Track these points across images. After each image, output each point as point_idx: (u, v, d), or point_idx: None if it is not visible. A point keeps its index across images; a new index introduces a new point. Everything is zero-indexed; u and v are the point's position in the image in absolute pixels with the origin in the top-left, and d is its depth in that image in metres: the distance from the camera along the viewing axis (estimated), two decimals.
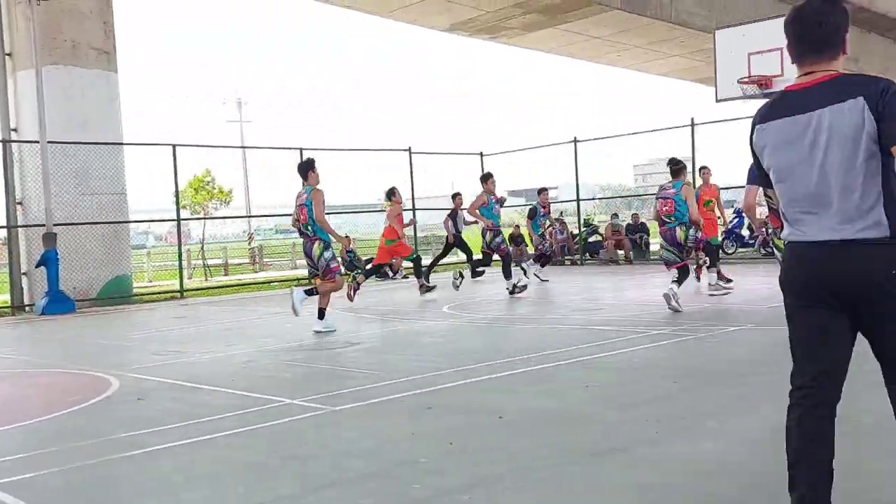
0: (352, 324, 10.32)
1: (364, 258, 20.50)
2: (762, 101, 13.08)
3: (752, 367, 6.02)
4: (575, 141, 20.68)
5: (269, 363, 7.46)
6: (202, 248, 28.33)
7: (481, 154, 23.31)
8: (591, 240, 21.66)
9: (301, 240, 9.24)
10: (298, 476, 3.96)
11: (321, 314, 9.21)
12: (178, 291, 17.19)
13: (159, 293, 17.66)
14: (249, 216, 41.52)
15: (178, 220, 18.07)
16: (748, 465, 3.75)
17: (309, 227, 9.13)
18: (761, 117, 2.88)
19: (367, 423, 4.92)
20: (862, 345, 2.87)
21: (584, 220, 22.00)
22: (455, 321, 10.02)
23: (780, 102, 2.85)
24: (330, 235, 9.25)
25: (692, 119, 18.28)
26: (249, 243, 35.02)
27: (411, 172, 21.44)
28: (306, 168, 9.39)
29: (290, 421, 5.12)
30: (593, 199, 29.73)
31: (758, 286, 12.52)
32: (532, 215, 15.69)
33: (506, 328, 9.07)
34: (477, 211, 12.90)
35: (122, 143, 16.36)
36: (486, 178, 13.37)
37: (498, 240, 12.86)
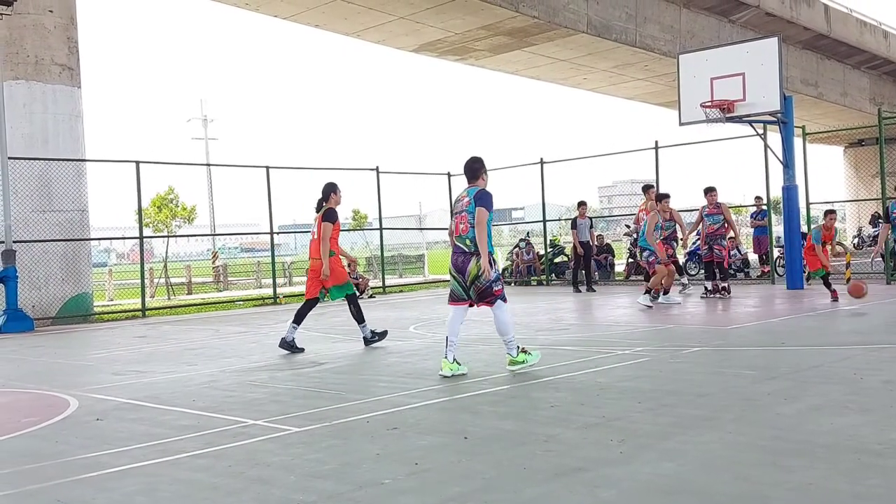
0: (317, 343, 10.26)
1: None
2: (725, 126, 13.03)
3: (713, 388, 6.08)
4: (541, 162, 20.84)
5: (231, 383, 7.38)
6: (165, 266, 28.03)
7: (448, 174, 23.39)
8: (556, 260, 21.79)
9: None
10: (261, 498, 3.92)
11: (648, 292, 13.02)
12: (140, 310, 16.98)
13: (120, 312, 17.43)
14: (214, 234, 41.19)
15: (141, 237, 17.88)
16: (710, 485, 3.78)
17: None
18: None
19: (332, 445, 4.89)
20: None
21: (550, 240, 22.14)
22: (421, 341, 10.00)
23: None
24: (648, 242, 13.14)
25: (656, 142, 18.57)
26: (213, 262, 34.71)
27: (379, 192, 21.44)
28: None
29: (253, 442, 5.07)
30: (559, 219, 29.94)
31: (719, 307, 12.68)
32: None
33: (471, 348, 9.07)
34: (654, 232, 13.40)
35: (84, 160, 16.18)
36: (661, 198, 14.32)
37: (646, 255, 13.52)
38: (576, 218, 17.88)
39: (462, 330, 11.00)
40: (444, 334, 7.29)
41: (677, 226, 14.68)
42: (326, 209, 9.48)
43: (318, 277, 9.40)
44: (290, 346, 9.38)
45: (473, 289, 7.20)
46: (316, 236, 9.42)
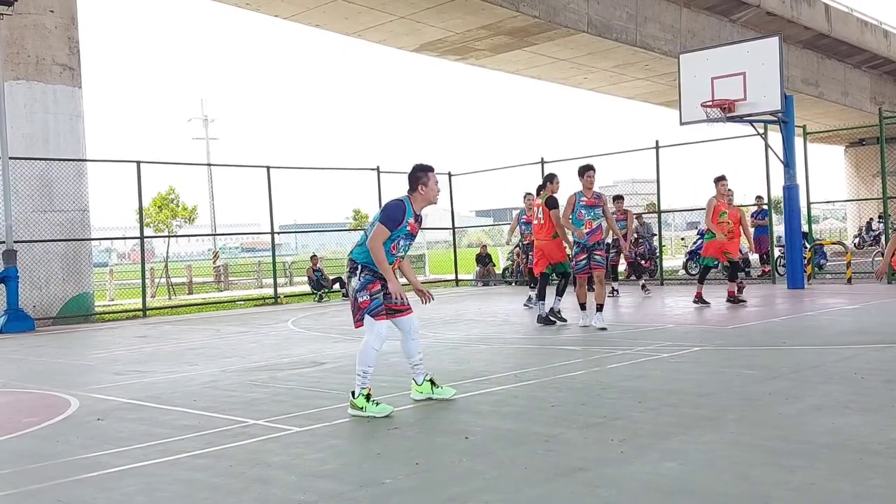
0: (317, 343, 10.26)
1: (331, 277, 20.43)
2: (725, 125, 12.77)
3: (714, 387, 6.08)
4: (542, 162, 20.83)
5: (232, 383, 7.38)
6: (166, 266, 28.03)
7: (449, 174, 23.39)
8: None
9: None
10: (262, 498, 3.92)
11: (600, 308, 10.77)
12: (141, 310, 16.97)
13: (121, 312, 17.43)
14: (215, 234, 41.17)
15: (142, 237, 17.88)
16: (711, 484, 3.78)
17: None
18: None
19: (332, 444, 4.89)
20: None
21: None
22: (421, 341, 9.97)
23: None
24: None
25: (657, 141, 18.55)
26: (214, 262, 34.69)
27: (379, 192, 21.44)
28: None
29: (254, 442, 5.06)
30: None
31: (720, 307, 12.67)
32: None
33: (472, 348, 9.07)
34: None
35: (85, 160, 16.17)
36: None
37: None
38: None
39: (462, 330, 11.04)
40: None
41: (604, 220, 10.85)
42: (549, 197, 11.05)
43: (544, 256, 11.14)
44: (553, 317, 11.05)
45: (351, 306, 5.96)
46: (542, 221, 11.09)
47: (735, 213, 14.03)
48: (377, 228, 5.78)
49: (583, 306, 10.71)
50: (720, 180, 13.07)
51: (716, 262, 13.49)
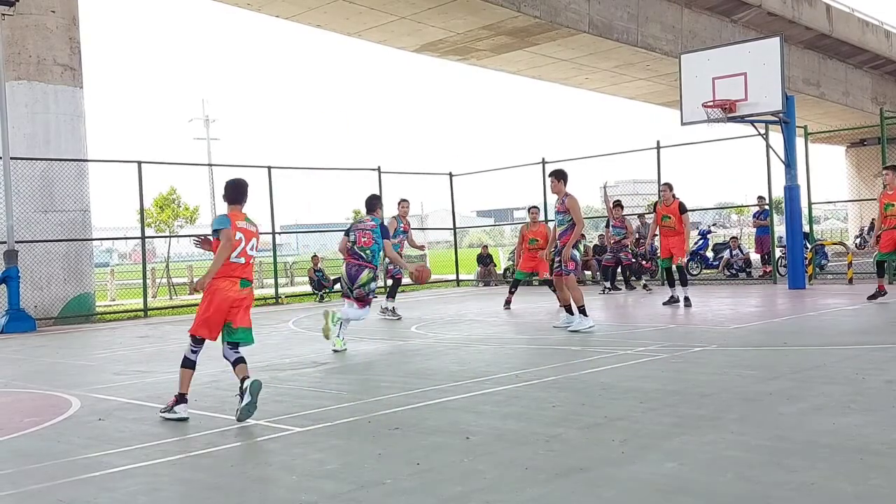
0: (318, 344, 10.26)
1: (332, 277, 20.43)
2: (726, 126, 12.62)
3: (715, 388, 6.07)
4: (543, 162, 20.83)
5: (233, 383, 7.34)
6: (167, 266, 28.04)
7: (450, 174, 23.39)
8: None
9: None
10: (263, 498, 3.92)
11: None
12: (142, 310, 16.97)
13: (123, 312, 17.43)
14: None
15: (143, 237, 17.88)
16: (712, 485, 3.78)
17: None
18: None
19: (334, 444, 4.89)
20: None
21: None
22: (422, 341, 10.00)
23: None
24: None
25: (658, 142, 18.54)
26: None
27: (380, 192, 21.42)
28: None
29: (255, 442, 5.07)
30: None
31: (721, 307, 12.67)
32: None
33: (473, 348, 9.07)
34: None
35: (86, 160, 16.17)
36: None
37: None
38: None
39: (463, 330, 11.04)
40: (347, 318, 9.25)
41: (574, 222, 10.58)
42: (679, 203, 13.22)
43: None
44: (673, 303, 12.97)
45: (356, 292, 9.28)
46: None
47: (542, 231, 13.87)
48: (388, 245, 9.64)
49: (567, 309, 10.51)
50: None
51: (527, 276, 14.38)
